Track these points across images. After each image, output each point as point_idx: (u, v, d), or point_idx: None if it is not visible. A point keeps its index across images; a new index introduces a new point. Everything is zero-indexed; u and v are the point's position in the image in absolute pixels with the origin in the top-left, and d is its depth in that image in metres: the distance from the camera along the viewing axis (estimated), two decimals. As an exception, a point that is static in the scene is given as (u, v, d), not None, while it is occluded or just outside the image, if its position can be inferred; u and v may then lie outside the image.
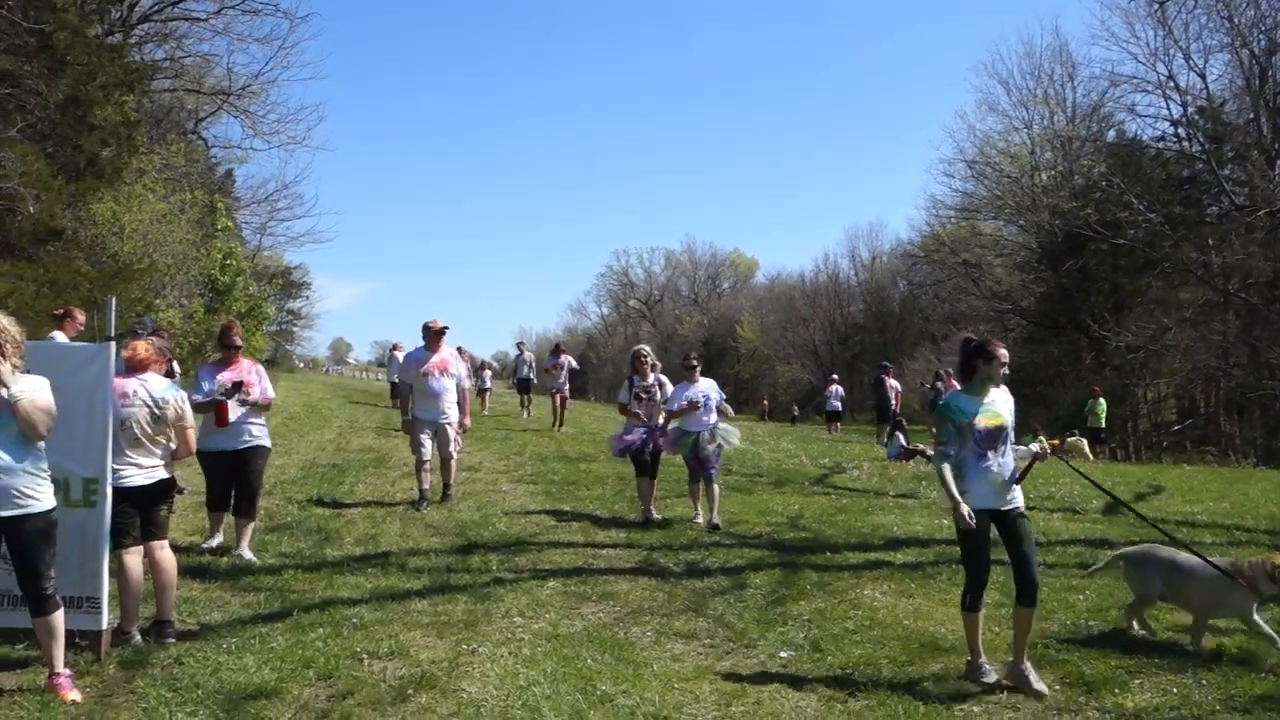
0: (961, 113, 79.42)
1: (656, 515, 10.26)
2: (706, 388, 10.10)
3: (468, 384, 11.25)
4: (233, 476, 8.25)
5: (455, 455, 11.02)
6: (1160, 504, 12.81)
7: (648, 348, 10.82)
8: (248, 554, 8.11)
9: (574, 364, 21.57)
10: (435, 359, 10.68)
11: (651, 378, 10.45)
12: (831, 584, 7.64)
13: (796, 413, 47.11)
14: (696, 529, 9.88)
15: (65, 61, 18.68)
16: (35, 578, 4.98)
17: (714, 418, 10.12)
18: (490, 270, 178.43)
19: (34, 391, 4.91)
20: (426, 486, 10.76)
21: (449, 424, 10.75)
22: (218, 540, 8.39)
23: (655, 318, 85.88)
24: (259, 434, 8.36)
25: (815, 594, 7.35)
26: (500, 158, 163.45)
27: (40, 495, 4.96)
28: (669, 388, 10.31)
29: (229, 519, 8.45)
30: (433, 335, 10.78)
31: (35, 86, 18.71)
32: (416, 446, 10.77)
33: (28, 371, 5.01)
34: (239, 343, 8.58)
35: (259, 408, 8.36)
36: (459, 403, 10.88)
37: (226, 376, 8.21)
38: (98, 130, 19.41)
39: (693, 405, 9.89)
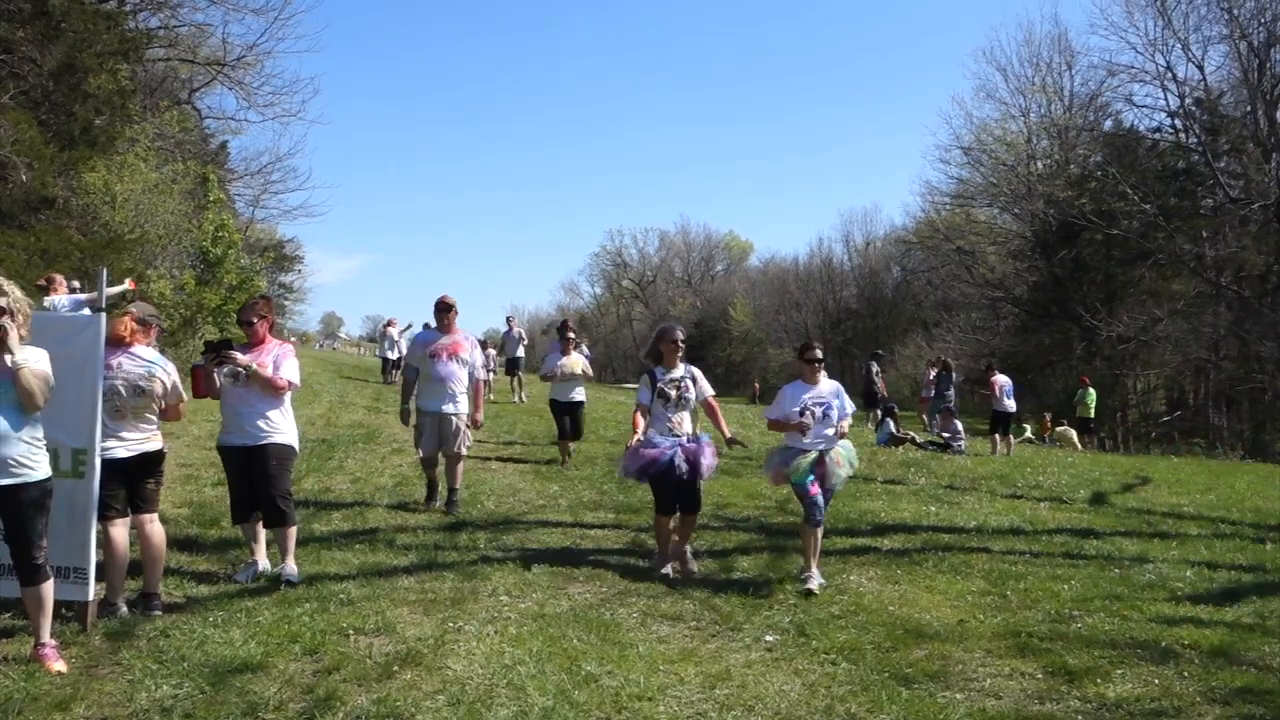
0: (959, 99, 79.29)
1: (695, 569, 7.44)
2: (830, 392, 7.34)
3: (482, 374, 9.77)
4: (251, 478, 6.87)
5: (463, 453, 9.48)
6: (1147, 495, 12.88)
7: (680, 328, 7.86)
8: (289, 569, 6.76)
9: (587, 352, 14.51)
10: (445, 340, 9.32)
11: (681, 369, 7.58)
12: (818, 569, 7.67)
13: None
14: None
15: (60, 28, 18.55)
16: (28, 547, 4.99)
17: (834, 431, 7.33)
18: (483, 248, 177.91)
19: (34, 361, 4.91)
20: (436, 484, 9.59)
21: (455, 416, 9.24)
22: (258, 565, 6.93)
23: (648, 298, 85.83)
24: (276, 427, 6.85)
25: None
26: (495, 136, 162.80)
27: (36, 465, 4.97)
28: (703, 384, 7.68)
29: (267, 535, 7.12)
30: (440, 312, 9.44)
31: (29, 53, 18.59)
32: (418, 442, 9.47)
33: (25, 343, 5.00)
34: (252, 319, 7.03)
35: (269, 390, 6.81)
36: (472, 394, 9.46)
37: (250, 358, 6.84)
38: (92, 98, 19.29)
39: (801, 423, 7.19)
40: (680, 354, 7.57)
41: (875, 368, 22.72)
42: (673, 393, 7.42)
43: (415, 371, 9.49)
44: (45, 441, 5.08)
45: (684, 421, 7.46)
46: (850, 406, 7.43)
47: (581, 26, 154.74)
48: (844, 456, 7.36)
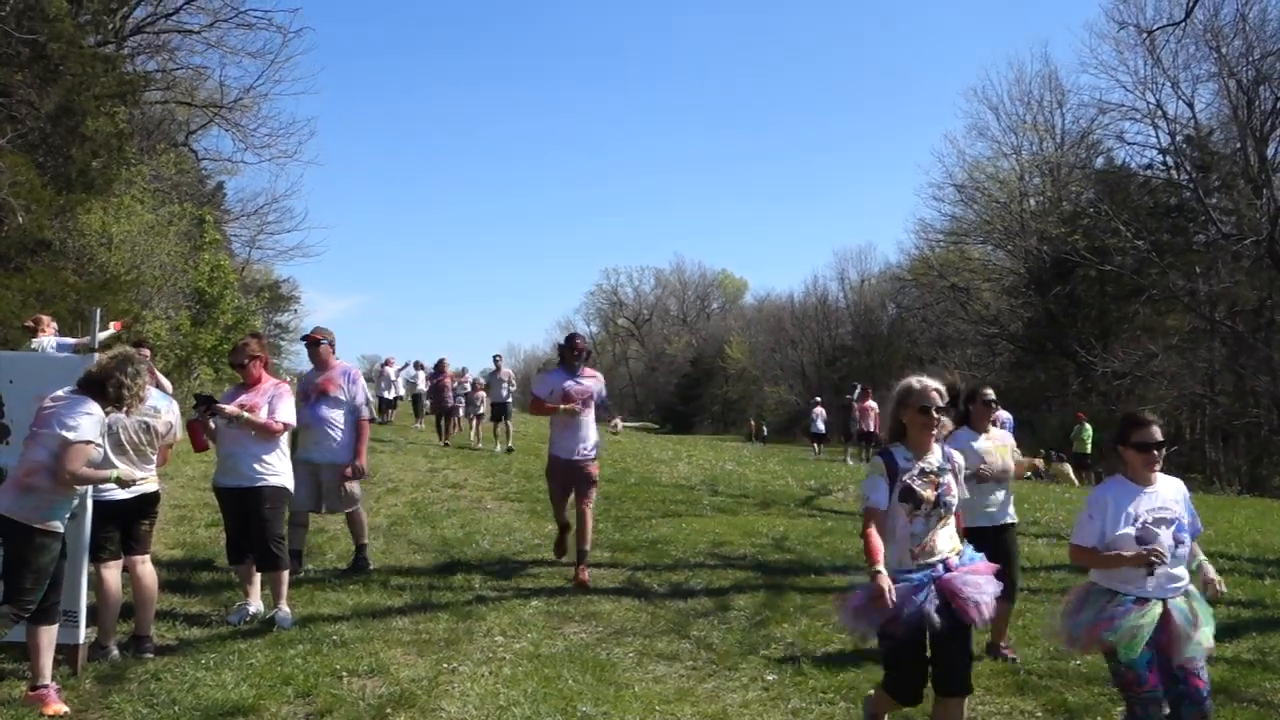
0: (951, 137, 79.75)
1: None
2: (1175, 499, 4.43)
3: (366, 413, 8.35)
4: (243, 520, 6.77)
5: (352, 507, 8.30)
6: (1144, 530, 12.81)
7: (938, 387, 4.47)
8: (282, 613, 6.68)
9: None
10: (317, 379, 8.22)
11: (938, 453, 4.49)
12: (815, 606, 7.62)
13: (765, 434, 47.28)
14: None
15: (58, 72, 18.70)
16: (56, 587, 5.20)
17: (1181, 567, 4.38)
18: (478, 287, 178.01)
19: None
20: (300, 546, 8.20)
21: (333, 467, 8.09)
22: (251, 607, 6.83)
23: (644, 337, 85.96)
24: (270, 469, 6.77)
25: (799, 616, 7.33)
26: (489, 174, 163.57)
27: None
28: (961, 466, 4.60)
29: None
30: (310, 348, 8.37)
31: (27, 96, 18.72)
32: (293, 498, 7.51)
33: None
34: (244, 360, 6.97)
35: (264, 433, 6.74)
36: (355, 437, 8.14)
37: (243, 400, 6.81)
38: (89, 141, 19.41)
39: (1151, 554, 4.16)
40: (937, 430, 4.50)
41: (869, 403, 23.37)
42: (928, 493, 4.37)
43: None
44: None
45: (939, 540, 4.40)
46: (1199, 524, 4.50)
47: (576, 66, 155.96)
48: (1203, 613, 4.33)
